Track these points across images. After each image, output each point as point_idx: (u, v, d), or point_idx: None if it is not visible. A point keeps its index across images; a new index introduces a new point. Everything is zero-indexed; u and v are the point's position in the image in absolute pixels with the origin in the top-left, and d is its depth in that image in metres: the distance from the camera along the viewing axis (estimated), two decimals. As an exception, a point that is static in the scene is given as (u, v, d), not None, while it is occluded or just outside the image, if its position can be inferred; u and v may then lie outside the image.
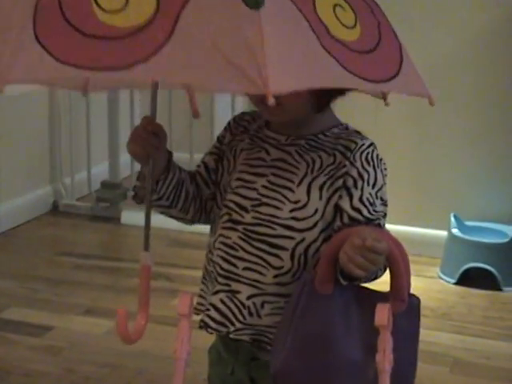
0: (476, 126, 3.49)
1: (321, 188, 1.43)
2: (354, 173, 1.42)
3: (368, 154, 1.44)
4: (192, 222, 1.59)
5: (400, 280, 1.37)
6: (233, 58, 1.12)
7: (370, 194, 1.42)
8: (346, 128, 1.49)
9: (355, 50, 1.25)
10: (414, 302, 1.41)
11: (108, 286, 3.21)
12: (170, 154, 1.52)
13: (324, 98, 1.43)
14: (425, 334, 2.84)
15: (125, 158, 4.17)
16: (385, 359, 1.33)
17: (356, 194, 1.42)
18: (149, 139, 1.45)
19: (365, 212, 1.42)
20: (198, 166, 1.57)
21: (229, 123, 1.57)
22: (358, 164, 1.43)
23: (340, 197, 1.43)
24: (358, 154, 1.43)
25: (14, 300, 3.08)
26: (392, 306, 1.36)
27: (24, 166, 3.97)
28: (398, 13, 3.26)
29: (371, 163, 1.43)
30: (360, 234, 1.32)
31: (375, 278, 1.40)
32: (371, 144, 1.45)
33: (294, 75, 1.15)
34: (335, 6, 1.26)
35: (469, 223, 3.46)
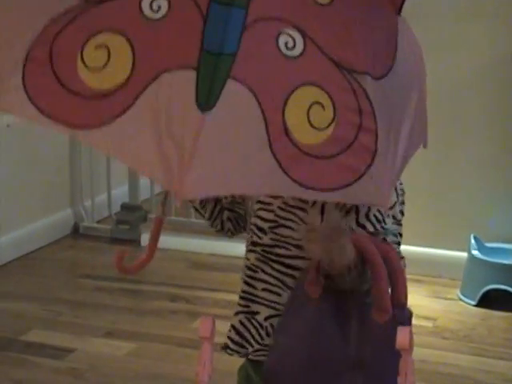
0: (495, 147, 3.48)
1: (334, 208, 1.43)
2: None
3: None
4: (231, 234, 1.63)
5: (379, 287, 1.36)
6: (164, 149, 1.15)
7: (379, 212, 1.42)
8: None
9: (311, 155, 1.20)
10: (404, 315, 1.39)
11: (129, 308, 3.21)
12: None
13: None
14: (445, 357, 2.86)
15: (144, 180, 4.18)
16: (406, 382, 1.33)
17: (363, 209, 1.42)
18: None
19: (370, 228, 1.42)
20: None
21: None
22: None
23: (348, 213, 1.43)
24: None
25: (36, 322, 3.09)
26: (374, 316, 1.36)
27: (44, 188, 3.99)
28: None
29: None
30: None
31: (367, 289, 1.40)
32: None
33: (217, 180, 1.17)
34: (314, 103, 1.20)
35: (489, 244, 3.45)
